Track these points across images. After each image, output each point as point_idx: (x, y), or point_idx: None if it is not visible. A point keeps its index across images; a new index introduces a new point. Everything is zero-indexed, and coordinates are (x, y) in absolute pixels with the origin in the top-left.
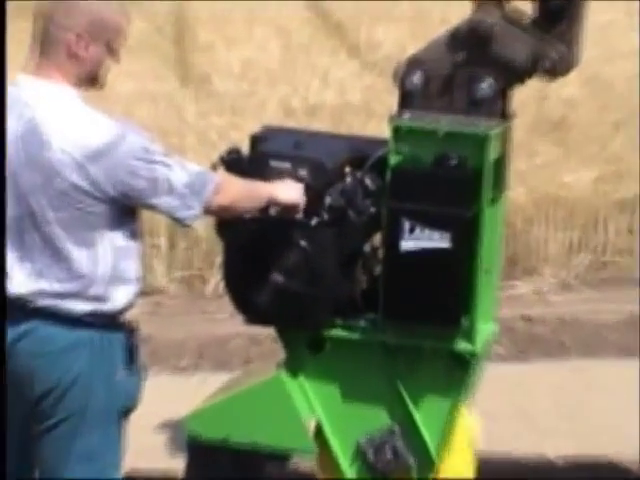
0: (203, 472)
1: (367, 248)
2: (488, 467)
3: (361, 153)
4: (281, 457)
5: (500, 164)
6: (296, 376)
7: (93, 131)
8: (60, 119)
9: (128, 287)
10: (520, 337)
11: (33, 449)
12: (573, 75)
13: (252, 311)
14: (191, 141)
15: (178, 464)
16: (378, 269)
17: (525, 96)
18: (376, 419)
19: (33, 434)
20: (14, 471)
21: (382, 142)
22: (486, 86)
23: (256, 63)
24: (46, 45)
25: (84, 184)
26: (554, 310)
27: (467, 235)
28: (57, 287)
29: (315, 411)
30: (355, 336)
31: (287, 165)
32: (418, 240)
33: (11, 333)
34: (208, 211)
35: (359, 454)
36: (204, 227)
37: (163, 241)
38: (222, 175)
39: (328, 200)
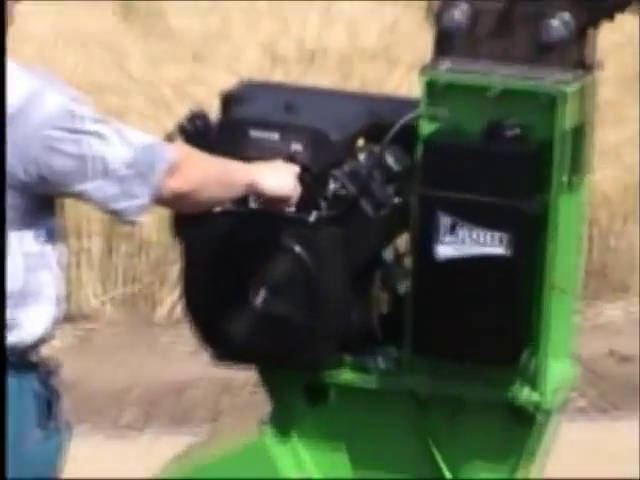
0: None
1: (388, 256)
2: None
3: (380, 119)
4: None
5: (579, 135)
6: (287, 436)
7: None
8: None
9: (44, 309)
10: (609, 382)
11: None
12: None
13: (224, 344)
14: (136, 101)
15: None
16: (404, 285)
17: (615, 41)
18: None
19: None
20: None
21: (409, 103)
22: (559, 24)
23: None
24: None
25: None
26: None
27: (531, 237)
28: None
29: None
30: (370, 381)
31: (274, 137)
32: (461, 244)
33: None
34: (160, 201)
35: None
36: (154, 225)
37: (96, 245)
38: (181, 150)
39: (333, 187)
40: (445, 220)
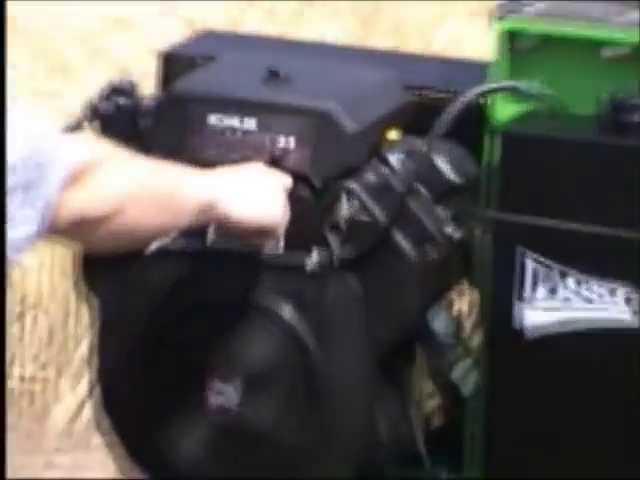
0: None
1: (438, 323)
2: None
3: (424, 97)
4: None
5: None
6: None
7: None
8: None
9: None
10: None
11: None
12: None
13: (166, 469)
14: (16, 54)
15: None
16: (463, 373)
17: None
18: None
19: None
20: None
21: (474, 70)
22: None
23: None
24: None
25: None
26: None
27: None
28: None
29: None
30: None
31: (249, 125)
32: (563, 306)
33: None
34: (57, 230)
35: None
36: (44, 269)
37: None
38: (90, 148)
39: (347, 209)
40: (535, 266)
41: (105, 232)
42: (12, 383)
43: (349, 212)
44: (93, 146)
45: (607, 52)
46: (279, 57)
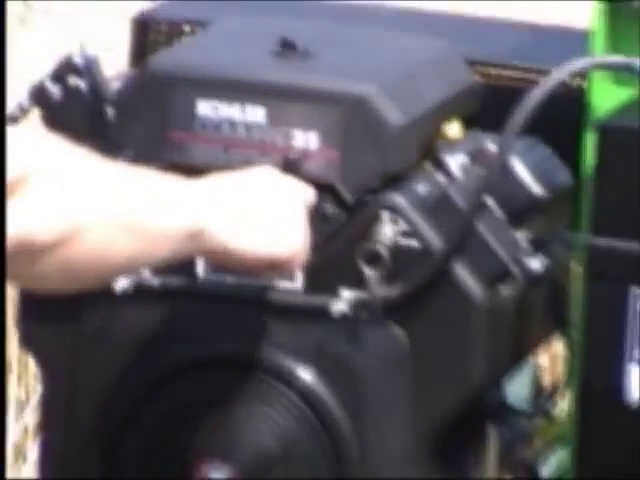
0: None
1: (517, 389)
2: None
3: (496, 77)
4: None
5: None
6: None
7: None
8: None
9: None
10: None
11: None
12: None
13: None
14: None
15: None
16: (551, 458)
17: None
18: None
19: None
20: None
21: (564, 41)
22: None
23: None
24: None
25: None
26: None
27: None
28: None
29: None
30: None
31: (255, 116)
32: None
33: None
34: None
35: None
36: None
37: None
38: (35, 148)
39: (391, 232)
40: None
41: (54, 263)
42: None
43: (392, 237)
44: (39, 145)
45: None
46: (295, 22)
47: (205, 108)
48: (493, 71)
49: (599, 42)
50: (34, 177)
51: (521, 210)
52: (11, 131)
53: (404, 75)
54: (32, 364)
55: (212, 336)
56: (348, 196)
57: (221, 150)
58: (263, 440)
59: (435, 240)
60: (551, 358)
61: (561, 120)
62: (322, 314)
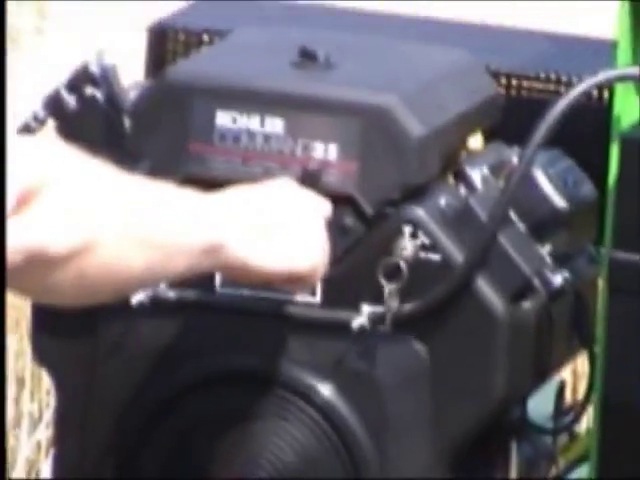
0: None
1: (536, 405)
2: None
3: (517, 89)
4: None
5: None
6: None
7: None
8: None
9: None
10: None
11: None
12: None
13: None
14: None
15: None
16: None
17: None
18: None
19: None
20: None
21: (588, 51)
22: None
23: None
24: None
25: None
26: None
27: None
28: None
29: None
30: None
31: (274, 127)
32: None
33: None
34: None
35: None
36: None
37: None
38: (48, 158)
39: (412, 246)
40: None
41: (68, 276)
42: None
43: (413, 250)
44: (54, 155)
45: None
46: (315, 32)
47: (224, 119)
48: (516, 82)
49: (624, 53)
50: (49, 188)
51: (544, 223)
52: (27, 141)
53: (425, 86)
54: (45, 379)
55: (229, 350)
56: (368, 208)
57: (240, 162)
58: (282, 456)
59: (456, 253)
60: (574, 375)
61: (586, 133)
62: (341, 328)
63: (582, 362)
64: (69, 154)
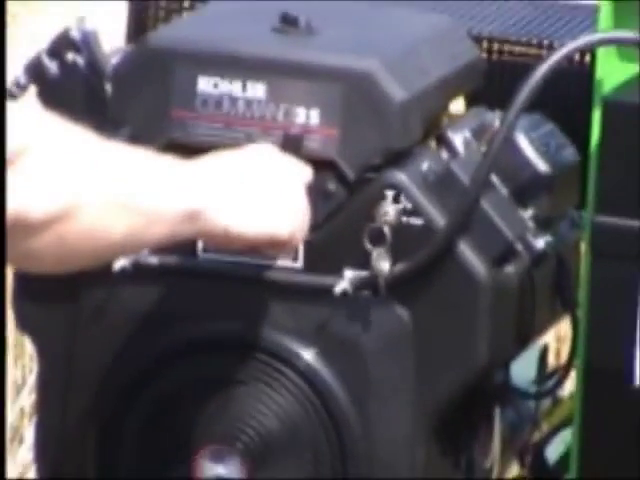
0: None
1: (519, 369)
2: None
3: (499, 53)
4: None
5: None
6: None
7: None
8: None
9: None
10: None
11: None
12: None
13: None
14: None
15: None
16: (558, 442)
17: None
18: None
19: None
20: None
21: (565, 12)
22: None
23: None
24: None
25: None
26: None
27: None
28: None
29: None
30: None
31: (255, 92)
32: None
33: None
34: None
35: None
36: None
37: None
38: (31, 122)
39: (394, 210)
40: None
41: (48, 240)
42: None
43: (395, 215)
44: (37, 120)
45: None
46: None
47: (206, 85)
48: (497, 46)
49: (605, 17)
50: (30, 152)
51: (526, 187)
52: (9, 106)
53: (407, 51)
54: (28, 346)
55: (212, 316)
56: (350, 173)
57: (222, 127)
58: (265, 422)
59: (439, 218)
60: (557, 339)
61: (568, 97)
62: (324, 293)
63: (565, 326)
64: (50, 120)
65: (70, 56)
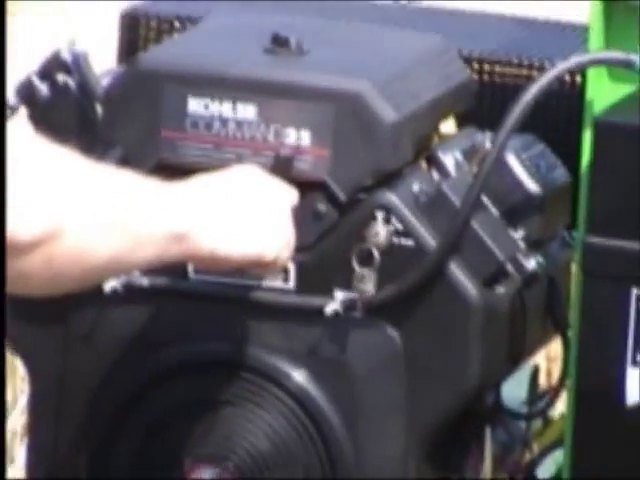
0: None
1: (509, 390)
2: None
3: (490, 74)
4: None
5: None
6: None
7: None
8: None
9: None
10: None
11: None
12: None
13: None
14: None
15: None
16: (549, 461)
17: None
18: None
19: None
20: None
21: (556, 33)
22: None
23: None
24: None
25: None
26: None
27: None
28: None
29: None
30: None
31: (246, 113)
32: None
33: None
34: None
35: None
36: None
37: None
38: (17, 144)
39: (385, 232)
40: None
41: (38, 262)
42: None
43: (386, 236)
44: (22, 143)
45: None
46: (287, 18)
47: (196, 105)
48: (488, 67)
49: (596, 37)
50: (18, 174)
51: (517, 208)
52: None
53: (397, 71)
54: (19, 366)
55: (204, 337)
56: (341, 194)
57: (212, 148)
58: (255, 442)
59: (429, 239)
60: (548, 359)
61: (559, 118)
62: (315, 314)
63: (556, 347)
64: (37, 142)
65: (61, 77)
